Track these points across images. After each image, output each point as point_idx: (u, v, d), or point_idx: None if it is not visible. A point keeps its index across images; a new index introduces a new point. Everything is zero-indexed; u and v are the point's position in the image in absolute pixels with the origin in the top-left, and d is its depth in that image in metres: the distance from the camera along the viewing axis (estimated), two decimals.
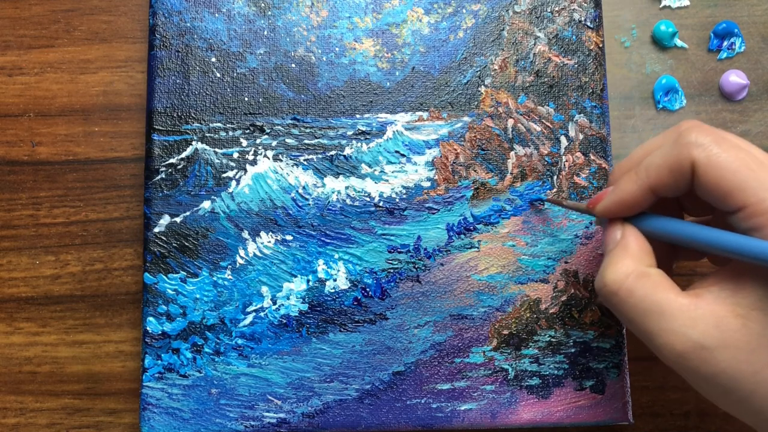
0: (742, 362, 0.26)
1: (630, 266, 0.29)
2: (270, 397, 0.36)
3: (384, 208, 0.37)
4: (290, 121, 0.38)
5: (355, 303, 0.36)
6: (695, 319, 0.27)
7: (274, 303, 0.36)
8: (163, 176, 0.37)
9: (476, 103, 0.38)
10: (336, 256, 0.37)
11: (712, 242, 0.27)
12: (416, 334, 0.36)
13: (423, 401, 0.36)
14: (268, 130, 0.38)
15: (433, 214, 0.37)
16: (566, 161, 0.37)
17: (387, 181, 0.37)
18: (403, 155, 0.38)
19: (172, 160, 0.37)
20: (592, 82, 0.38)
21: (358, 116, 0.38)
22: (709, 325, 0.26)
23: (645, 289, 0.28)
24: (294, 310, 0.36)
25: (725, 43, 0.41)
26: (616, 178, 0.31)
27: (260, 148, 0.37)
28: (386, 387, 0.36)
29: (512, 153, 0.38)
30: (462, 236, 0.37)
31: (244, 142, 0.37)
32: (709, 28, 0.41)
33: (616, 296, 0.28)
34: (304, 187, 0.37)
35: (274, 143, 0.37)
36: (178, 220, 0.37)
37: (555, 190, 0.37)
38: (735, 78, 0.40)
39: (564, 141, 0.38)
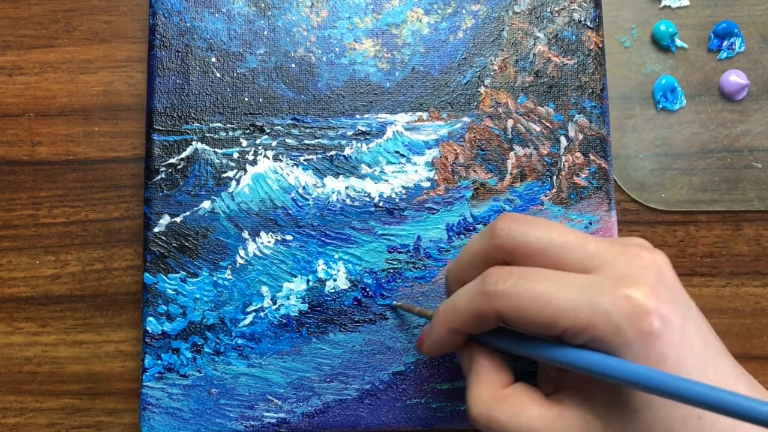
0: None
1: (487, 395, 0.28)
2: (270, 397, 0.36)
3: (384, 208, 0.37)
4: (290, 121, 0.38)
5: (355, 303, 0.36)
6: (562, 430, 0.27)
7: (274, 303, 0.36)
8: (163, 176, 0.37)
9: (476, 103, 0.38)
10: (336, 256, 0.37)
11: (550, 358, 0.27)
12: (416, 334, 0.36)
13: (423, 401, 0.36)
14: (268, 130, 0.38)
15: (433, 214, 0.37)
16: (566, 161, 0.37)
17: (387, 181, 0.37)
18: (402, 155, 0.38)
19: (172, 160, 0.37)
20: (592, 82, 0.38)
21: (358, 116, 0.38)
22: None
23: (507, 414, 0.27)
24: (294, 310, 0.36)
25: (725, 43, 0.41)
26: (449, 284, 0.31)
27: (260, 148, 0.37)
28: (386, 387, 0.36)
29: (512, 153, 0.38)
30: (462, 236, 0.37)
31: (244, 142, 0.37)
32: (709, 28, 0.41)
33: (488, 427, 0.28)
34: (304, 187, 0.37)
35: (274, 143, 0.38)
36: (178, 220, 0.37)
37: (555, 190, 0.37)
38: (735, 78, 0.40)
39: (564, 141, 0.38)
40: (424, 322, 0.36)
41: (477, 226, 0.37)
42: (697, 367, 0.25)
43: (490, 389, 0.29)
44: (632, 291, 0.25)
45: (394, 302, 0.36)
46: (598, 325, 0.25)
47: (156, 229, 0.37)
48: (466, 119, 0.38)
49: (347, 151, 0.38)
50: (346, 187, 0.37)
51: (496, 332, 0.29)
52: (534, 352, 0.27)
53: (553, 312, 0.26)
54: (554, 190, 0.37)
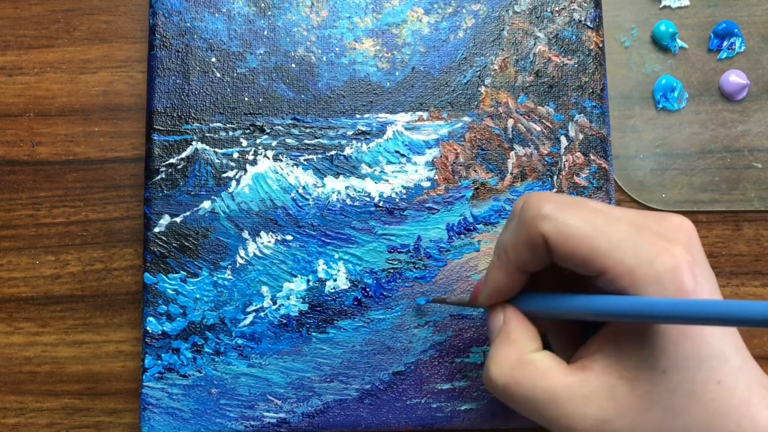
0: (640, 426, 0.26)
1: (513, 357, 0.28)
2: (270, 397, 0.36)
3: (384, 208, 0.37)
4: (290, 121, 0.38)
5: (355, 303, 0.36)
6: (588, 396, 0.26)
7: (274, 303, 0.36)
8: (163, 176, 0.37)
9: (476, 103, 0.38)
10: (336, 256, 0.37)
11: (586, 310, 0.27)
12: (416, 334, 0.36)
13: (423, 401, 0.36)
14: (268, 130, 0.38)
15: (433, 214, 0.37)
16: (566, 161, 0.37)
17: (387, 181, 0.37)
18: (403, 155, 0.38)
19: (172, 160, 0.37)
20: (592, 82, 0.38)
21: (358, 116, 0.38)
22: (602, 398, 0.26)
23: (532, 378, 0.27)
24: (294, 310, 0.36)
25: (725, 43, 0.41)
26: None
27: (260, 148, 0.37)
28: (386, 387, 0.36)
29: (512, 153, 0.38)
30: (462, 236, 0.37)
31: (244, 142, 0.37)
32: (709, 28, 0.41)
33: (505, 391, 0.28)
34: (304, 187, 0.37)
35: (274, 143, 0.38)
36: (178, 220, 0.37)
37: (555, 189, 0.37)
38: (735, 78, 0.40)
39: (564, 141, 0.38)
40: (424, 322, 0.36)
41: (477, 225, 0.37)
42: (718, 332, 0.26)
43: (517, 352, 0.28)
44: (672, 246, 0.26)
45: (431, 298, 0.36)
46: (640, 274, 0.25)
47: (156, 229, 0.37)
48: (466, 119, 0.38)
49: (347, 151, 0.38)
50: (346, 187, 0.37)
51: (533, 296, 0.29)
52: (579, 306, 0.27)
53: (596, 247, 0.26)
54: (554, 189, 0.37)
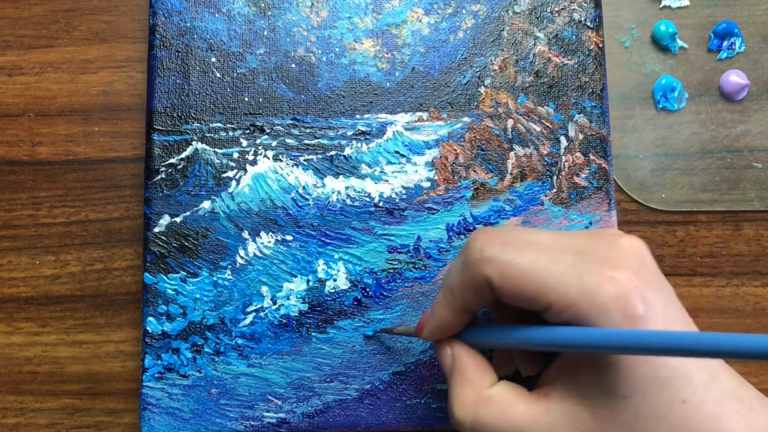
0: None
1: (472, 396, 0.28)
2: (270, 397, 0.36)
3: (384, 209, 0.37)
4: (290, 121, 0.38)
5: (355, 303, 0.36)
6: (551, 424, 0.26)
7: (274, 303, 0.36)
8: (163, 176, 0.37)
9: (476, 103, 0.38)
10: (336, 256, 0.37)
11: (532, 342, 0.27)
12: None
13: (423, 401, 0.36)
14: (268, 130, 0.38)
15: (433, 214, 0.37)
16: (566, 161, 0.37)
17: (387, 181, 0.37)
18: (403, 155, 0.38)
19: (172, 160, 0.37)
20: (592, 82, 0.38)
21: (358, 116, 0.38)
22: (564, 425, 0.26)
23: (493, 414, 0.27)
24: (294, 310, 0.36)
25: (725, 43, 0.41)
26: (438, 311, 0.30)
27: (260, 148, 0.37)
28: (386, 387, 0.36)
29: (512, 153, 0.38)
30: (462, 236, 0.37)
31: (244, 142, 0.37)
32: (709, 28, 0.41)
33: (473, 430, 0.28)
34: (304, 187, 0.37)
35: (274, 143, 0.38)
36: (178, 220, 0.37)
37: (555, 190, 0.37)
38: (735, 78, 0.40)
39: (564, 141, 0.38)
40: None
41: (477, 225, 0.37)
42: None
43: (474, 390, 0.28)
44: (617, 273, 0.25)
45: (374, 332, 0.36)
46: (584, 304, 0.25)
47: (156, 229, 0.37)
48: (466, 119, 0.38)
49: (347, 151, 0.38)
50: (346, 187, 0.37)
51: (478, 328, 0.29)
52: (522, 338, 0.27)
53: (540, 284, 0.26)
54: (554, 190, 0.37)
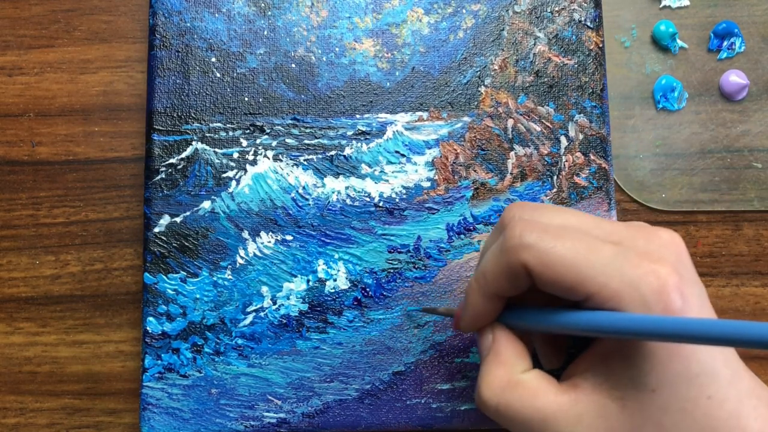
0: None
1: (503, 377, 0.28)
2: (270, 397, 0.36)
3: (384, 208, 0.37)
4: (290, 121, 0.38)
5: (355, 303, 0.36)
6: (578, 415, 0.26)
7: (274, 303, 0.36)
8: (163, 176, 0.37)
9: (476, 103, 0.38)
10: (336, 256, 0.37)
11: (574, 326, 0.26)
12: (416, 334, 0.36)
13: (423, 401, 0.36)
14: (268, 130, 0.38)
15: (433, 214, 0.37)
16: (566, 161, 0.37)
17: (387, 181, 0.37)
18: (403, 155, 0.38)
19: (172, 160, 0.37)
20: (592, 82, 0.38)
21: (358, 116, 0.38)
22: (592, 416, 0.26)
23: (522, 399, 0.27)
24: (294, 310, 0.36)
25: (725, 43, 0.41)
26: (473, 296, 0.30)
27: (260, 148, 0.37)
28: (386, 387, 0.36)
29: (512, 153, 0.38)
30: (462, 236, 0.37)
31: (244, 142, 0.37)
32: (709, 28, 0.41)
33: (497, 412, 0.28)
34: (304, 187, 0.37)
35: (274, 143, 0.38)
36: (178, 220, 0.37)
37: (555, 190, 0.37)
38: (735, 78, 0.40)
39: (564, 141, 0.38)
40: (424, 322, 0.36)
41: (477, 225, 0.37)
42: (707, 347, 0.26)
43: (507, 372, 0.28)
44: (657, 266, 0.25)
45: (422, 307, 0.36)
46: (626, 296, 0.25)
47: (156, 229, 0.37)
48: (466, 119, 0.38)
49: (347, 151, 0.38)
50: (346, 187, 0.37)
51: (521, 311, 0.29)
52: (564, 322, 0.27)
53: (579, 274, 0.26)
54: (554, 189, 0.37)
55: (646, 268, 0.25)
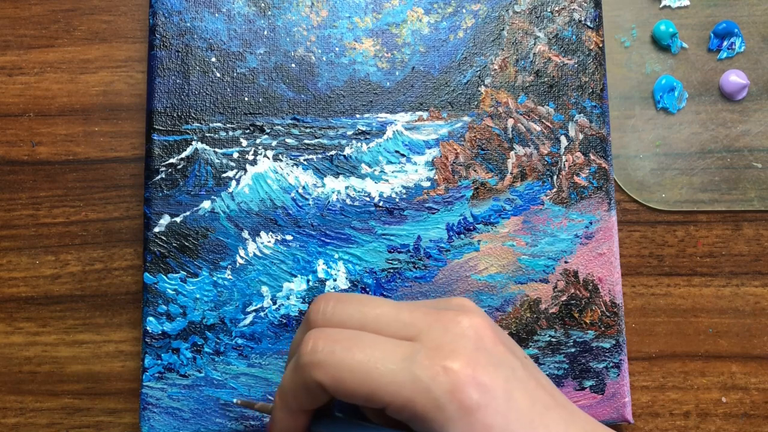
0: None
1: None
2: (270, 397, 0.36)
3: (384, 208, 0.37)
4: (290, 121, 0.38)
5: None
6: None
7: (274, 303, 0.36)
8: (163, 176, 0.37)
9: (476, 103, 0.38)
10: (336, 256, 0.37)
11: None
12: None
13: None
14: (268, 130, 0.38)
15: (433, 214, 0.37)
16: (566, 161, 0.37)
17: (387, 181, 0.37)
18: (403, 155, 0.38)
19: (172, 160, 0.37)
20: (592, 82, 0.38)
21: (358, 116, 0.38)
22: None
23: None
24: (294, 309, 0.36)
25: (725, 43, 0.41)
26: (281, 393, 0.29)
27: (260, 148, 0.37)
28: None
29: (512, 153, 0.38)
30: (462, 236, 0.37)
31: (244, 142, 0.37)
32: (709, 28, 0.41)
33: None
34: (304, 187, 0.37)
35: (274, 143, 0.38)
36: (178, 220, 0.37)
37: (555, 189, 0.37)
38: (735, 78, 0.40)
39: (564, 141, 0.38)
40: None
41: (477, 225, 0.37)
42: (523, 429, 0.25)
43: None
44: (449, 362, 0.25)
45: (234, 400, 0.34)
46: (419, 402, 0.24)
47: (156, 229, 0.37)
48: (466, 119, 0.38)
49: (347, 151, 0.38)
50: (346, 187, 0.37)
51: (330, 424, 0.28)
52: None
53: (372, 385, 0.25)
54: (554, 189, 0.37)
55: (436, 368, 0.25)
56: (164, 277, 0.36)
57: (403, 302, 0.28)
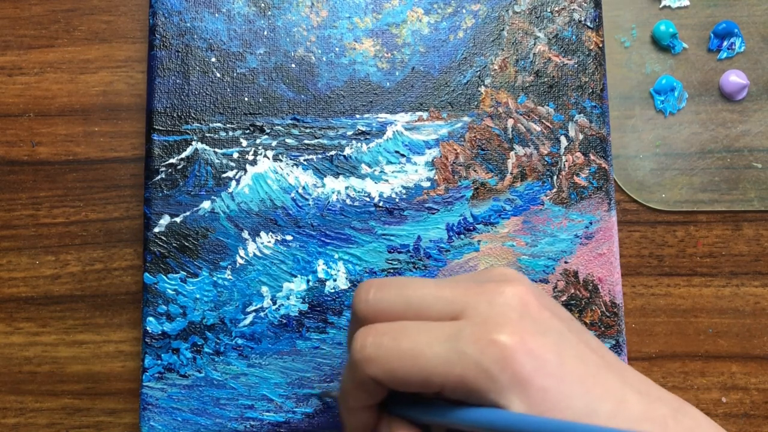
0: None
1: None
2: (270, 397, 0.36)
3: (384, 208, 0.37)
4: (290, 121, 0.38)
5: None
6: None
7: (274, 303, 0.36)
8: (163, 176, 0.37)
9: (476, 103, 0.38)
10: (336, 256, 0.37)
11: (451, 421, 0.26)
12: None
13: None
14: (268, 130, 0.38)
15: (433, 214, 0.37)
16: (566, 161, 0.37)
17: (387, 181, 0.37)
18: (403, 155, 0.38)
19: (172, 160, 0.37)
20: (592, 82, 0.38)
21: (358, 116, 0.38)
22: None
23: None
24: (294, 310, 0.36)
25: (725, 43, 0.41)
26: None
27: (260, 148, 0.37)
28: None
29: (512, 153, 0.38)
30: (462, 236, 0.37)
31: (244, 142, 0.37)
32: (709, 28, 0.41)
33: None
34: (304, 187, 0.37)
35: (274, 143, 0.38)
36: (178, 220, 0.37)
37: (555, 189, 0.37)
38: (735, 78, 0.40)
39: (564, 141, 0.38)
40: None
41: (477, 225, 0.37)
42: (579, 390, 0.24)
43: None
44: (496, 334, 0.25)
45: (320, 392, 0.35)
46: (472, 377, 0.24)
47: (156, 229, 0.37)
48: (466, 119, 0.38)
49: (347, 151, 0.38)
50: (346, 187, 0.37)
51: (405, 402, 0.28)
52: (434, 418, 0.26)
53: (422, 370, 0.25)
54: (554, 189, 0.37)
55: (484, 340, 0.25)
56: (164, 277, 0.36)
57: (443, 279, 0.28)
